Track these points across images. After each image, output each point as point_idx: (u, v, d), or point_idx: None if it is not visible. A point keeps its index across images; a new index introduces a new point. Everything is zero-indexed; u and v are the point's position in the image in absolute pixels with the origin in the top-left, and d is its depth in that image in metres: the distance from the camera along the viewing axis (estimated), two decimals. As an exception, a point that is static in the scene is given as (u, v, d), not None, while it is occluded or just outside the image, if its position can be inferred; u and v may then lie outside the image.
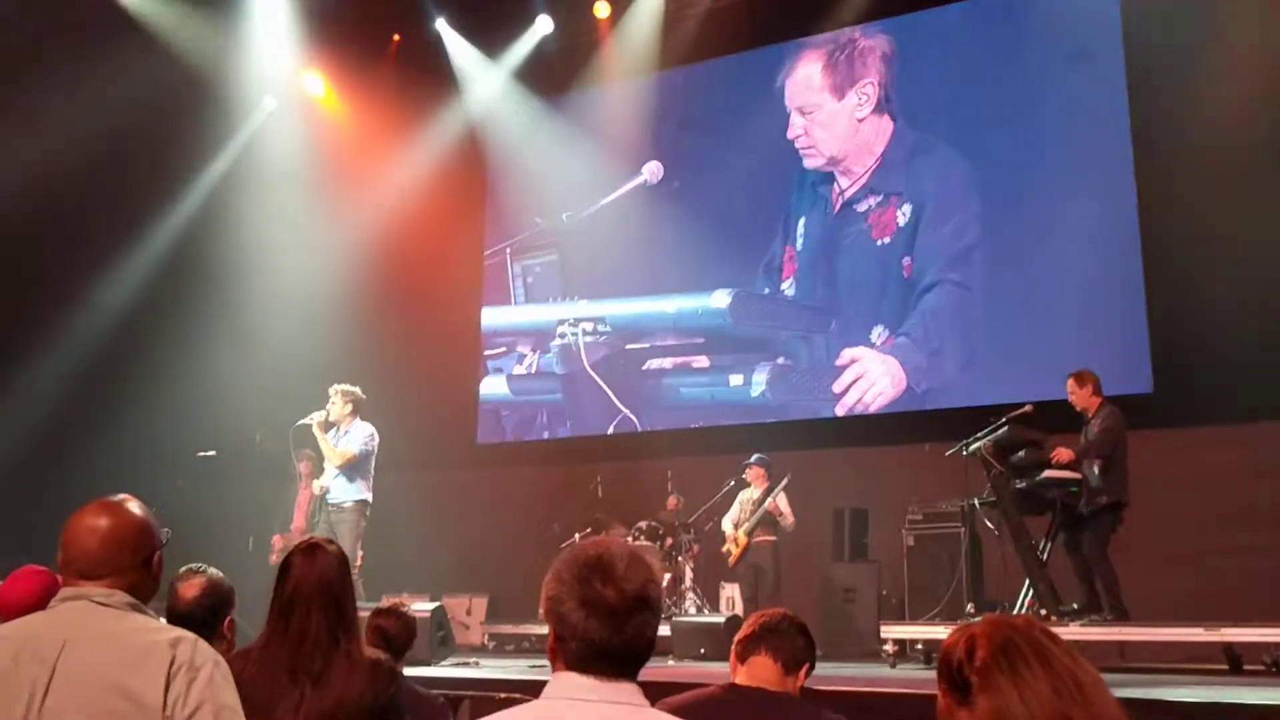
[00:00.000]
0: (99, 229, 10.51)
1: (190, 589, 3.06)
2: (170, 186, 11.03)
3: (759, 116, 10.19)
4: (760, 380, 9.61)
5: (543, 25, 11.26)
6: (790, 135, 9.55)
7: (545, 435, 10.63)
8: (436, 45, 11.68)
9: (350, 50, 11.84)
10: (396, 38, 11.91)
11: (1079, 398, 7.25)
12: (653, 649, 1.74)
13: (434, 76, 11.66)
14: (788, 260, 9.43)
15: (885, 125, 9.16)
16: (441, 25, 11.61)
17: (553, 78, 11.53)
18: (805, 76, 9.61)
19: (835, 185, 9.30)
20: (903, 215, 8.86)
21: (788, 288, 9.39)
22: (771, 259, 9.65)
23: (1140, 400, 7.75)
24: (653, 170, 10.27)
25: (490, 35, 11.47)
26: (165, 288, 10.97)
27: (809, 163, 9.44)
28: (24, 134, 9.29)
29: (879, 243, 8.96)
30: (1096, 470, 6.93)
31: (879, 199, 9.01)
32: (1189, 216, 8.48)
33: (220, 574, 3.15)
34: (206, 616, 3.00)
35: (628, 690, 1.70)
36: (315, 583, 2.73)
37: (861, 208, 9.07)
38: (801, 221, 9.42)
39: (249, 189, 11.31)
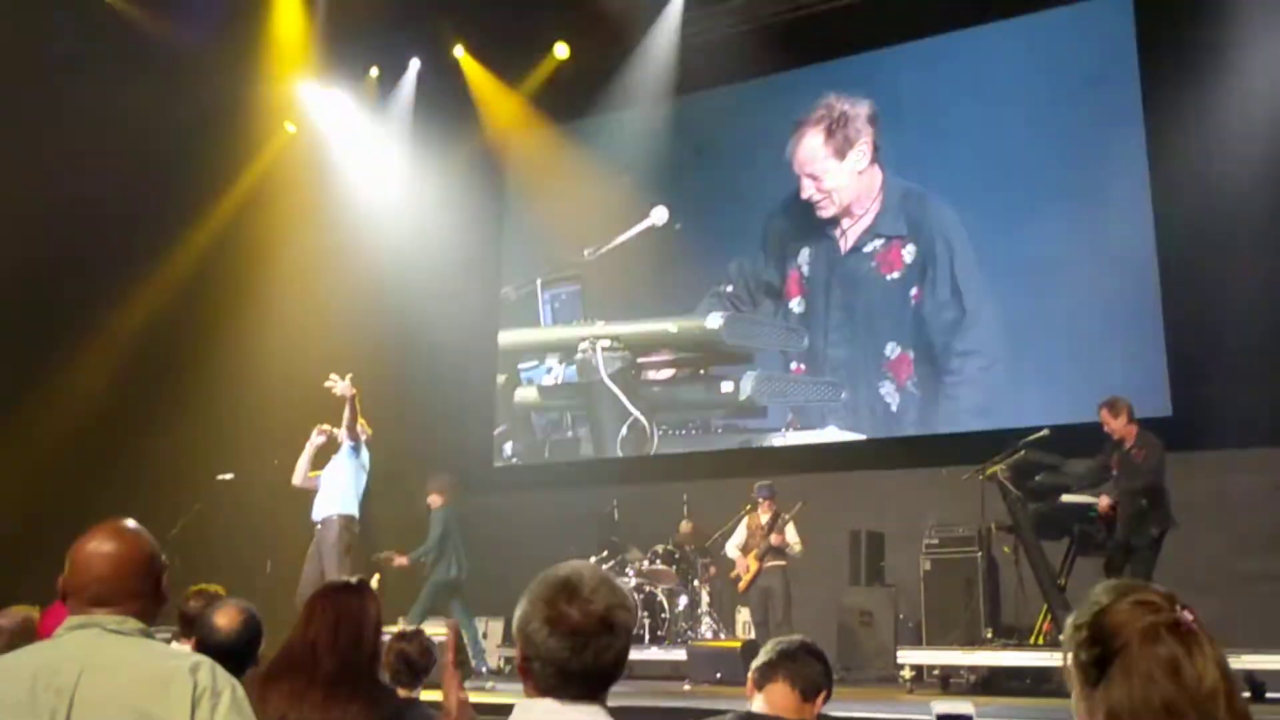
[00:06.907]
0: (119, 254, 10.58)
1: (226, 619, 2.96)
2: (189, 213, 11.12)
3: (744, 153, 11.22)
4: (747, 385, 10.86)
5: (559, 51, 11.46)
6: (804, 196, 10.77)
7: (570, 434, 11.98)
8: (455, 72, 11.79)
9: (369, 77, 11.98)
10: (415, 64, 12.03)
11: (1115, 427, 7.15)
12: (618, 671, 1.72)
13: (452, 102, 11.76)
14: (793, 283, 10.78)
15: (877, 174, 10.44)
16: (459, 52, 11.75)
17: (569, 104, 11.72)
18: (809, 148, 10.85)
19: (839, 226, 10.58)
20: (908, 254, 10.09)
21: (796, 305, 10.77)
22: (768, 281, 10.99)
23: (1158, 423, 7.67)
24: (659, 214, 11.60)
25: (508, 62, 11.59)
26: (185, 312, 11.03)
27: (822, 214, 10.68)
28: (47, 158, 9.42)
29: (888, 277, 10.19)
30: (1145, 503, 6.88)
31: (882, 241, 10.26)
32: (1206, 238, 8.45)
33: (249, 604, 3.09)
34: (244, 649, 2.93)
35: (591, 712, 1.70)
36: (328, 630, 2.70)
37: (868, 249, 10.36)
38: (805, 252, 10.75)
39: (269, 215, 11.38)
